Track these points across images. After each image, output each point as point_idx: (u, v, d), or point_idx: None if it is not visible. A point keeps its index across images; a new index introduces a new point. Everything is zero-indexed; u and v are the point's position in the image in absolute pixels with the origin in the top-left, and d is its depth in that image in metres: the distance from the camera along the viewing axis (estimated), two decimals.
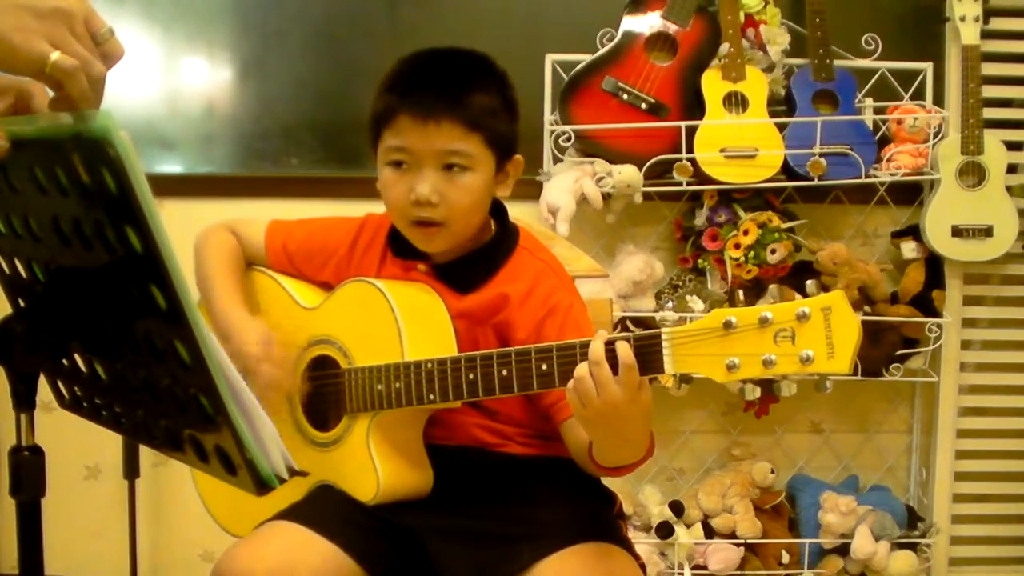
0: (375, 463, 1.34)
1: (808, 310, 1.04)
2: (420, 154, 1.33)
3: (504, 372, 1.23)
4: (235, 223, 1.56)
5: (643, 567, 1.34)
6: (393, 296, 1.35)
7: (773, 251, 2.38)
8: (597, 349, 1.12)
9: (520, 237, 1.45)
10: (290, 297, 1.50)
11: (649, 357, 1.11)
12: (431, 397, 1.29)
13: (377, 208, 1.53)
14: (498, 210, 1.45)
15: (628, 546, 1.36)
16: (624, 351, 1.10)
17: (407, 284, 1.40)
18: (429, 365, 1.29)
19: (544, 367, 1.20)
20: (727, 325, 1.07)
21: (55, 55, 0.82)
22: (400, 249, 1.44)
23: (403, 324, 1.32)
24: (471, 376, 1.26)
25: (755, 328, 1.06)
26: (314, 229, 1.54)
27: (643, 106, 2.36)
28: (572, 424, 1.32)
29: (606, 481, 1.48)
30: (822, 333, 1.04)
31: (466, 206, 1.36)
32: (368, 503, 1.35)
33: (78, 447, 2.45)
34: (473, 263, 1.41)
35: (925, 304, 2.48)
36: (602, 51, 2.39)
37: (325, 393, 1.44)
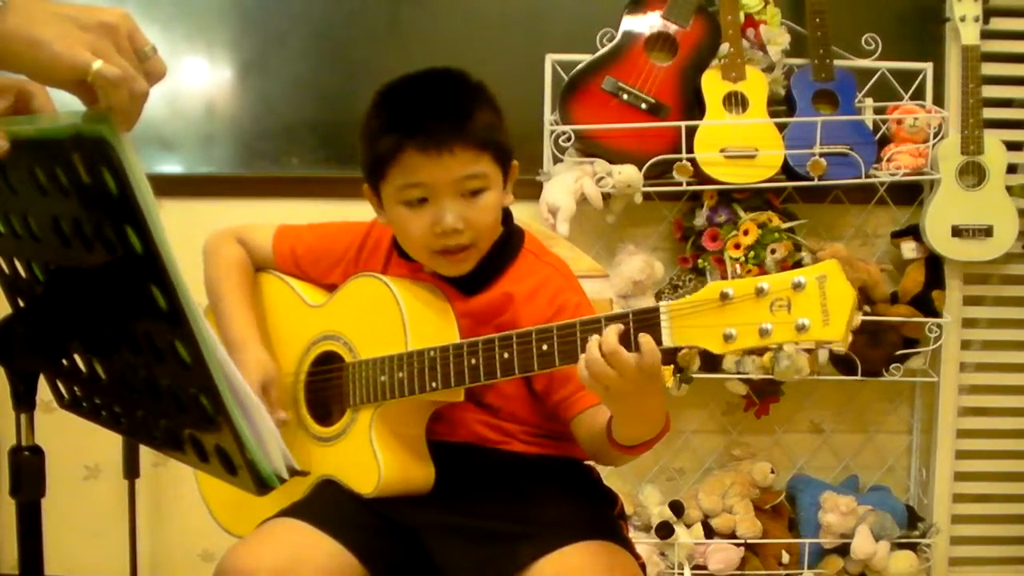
0: (376, 454, 1.34)
1: (804, 279, 1.05)
2: (437, 186, 1.32)
3: (505, 355, 1.24)
4: (242, 230, 1.57)
5: (643, 567, 1.34)
6: (398, 289, 1.35)
7: (773, 251, 2.38)
8: (611, 338, 1.11)
9: (526, 240, 1.46)
10: (297, 295, 1.51)
11: (648, 331, 1.11)
12: (433, 384, 1.30)
13: None
14: (503, 214, 1.45)
15: (629, 545, 1.36)
16: (645, 340, 1.10)
17: (412, 280, 1.41)
18: (431, 353, 1.30)
19: (545, 347, 1.20)
20: (724, 296, 1.07)
21: (98, 63, 0.80)
22: (406, 252, 1.44)
23: (407, 316, 1.33)
24: (473, 361, 1.26)
25: (751, 298, 1.06)
26: (322, 234, 1.55)
27: (643, 106, 2.36)
28: (585, 418, 1.33)
29: (607, 481, 1.48)
30: (817, 301, 1.04)
31: (489, 224, 1.36)
32: (368, 495, 1.35)
33: (78, 447, 2.45)
34: (478, 265, 1.41)
35: (925, 304, 2.48)
36: (602, 51, 2.39)
37: (328, 388, 1.44)
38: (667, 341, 1.11)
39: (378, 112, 1.36)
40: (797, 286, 1.05)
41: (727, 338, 1.07)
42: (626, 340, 1.11)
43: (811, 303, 1.04)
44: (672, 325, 1.11)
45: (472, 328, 1.37)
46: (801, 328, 1.04)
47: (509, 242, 1.44)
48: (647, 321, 1.12)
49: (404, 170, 1.32)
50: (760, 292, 1.06)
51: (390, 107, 1.36)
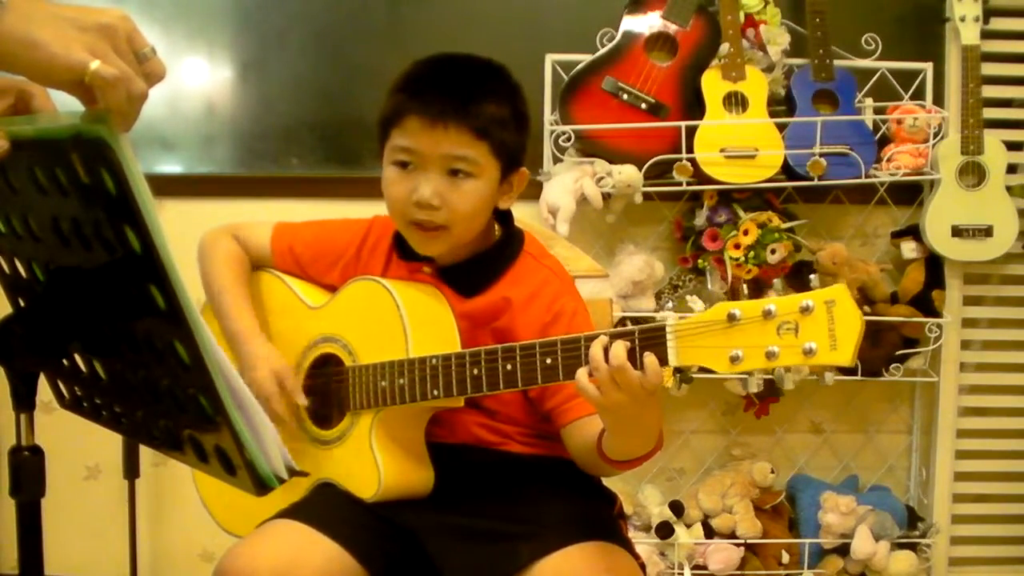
0: (377, 460, 1.34)
1: (812, 303, 1.05)
2: (426, 156, 1.33)
3: (508, 367, 1.23)
4: (238, 227, 1.57)
5: (643, 567, 1.34)
6: (399, 294, 1.35)
7: (773, 251, 2.38)
8: (619, 351, 1.11)
9: (525, 242, 1.46)
10: (296, 296, 1.51)
11: (653, 350, 1.11)
12: (435, 393, 1.29)
13: (378, 208, 1.53)
14: (503, 215, 1.45)
15: (628, 546, 1.36)
16: (650, 361, 1.10)
17: (412, 284, 1.41)
18: (433, 361, 1.29)
19: (548, 361, 1.20)
20: (731, 318, 1.07)
21: (95, 63, 0.80)
22: (405, 251, 1.44)
23: (408, 322, 1.33)
24: (475, 371, 1.26)
25: (759, 320, 1.06)
26: (321, 231, 1.55)
27: (643, 106, 2.36)
28: (575, 427, 1.33)
29: (606, 481, 1.48)
30: (825, 326, 1.04)
31: (467, 212, 1.36)
32: (369, 500, 1.35)
33: (78, 447, 2.44)
34: (477, 266, 1.42)
35: (925, 304, 2.48)
36: (602, 51, 2.39)
37: (328, 391, 1.44)
38: (673, 360, 1.11)
39: (400, 76, 1.39)
40: (805, 309, 1.05)
41: (733, 360, 1.07)
42: (631, 357, 1.11)
43: (819, 327, 1.04)
44: (678, 344, 1.10)
45: (470, 330, 1.37)
46: (808, 352, 1.04)
47: (509, 244, 1.44)
48: (653, 339, 1.11)
49: (402, 132, 1.34)
50: (767, 314, 1.06)
51: (413, 72, 1.38)
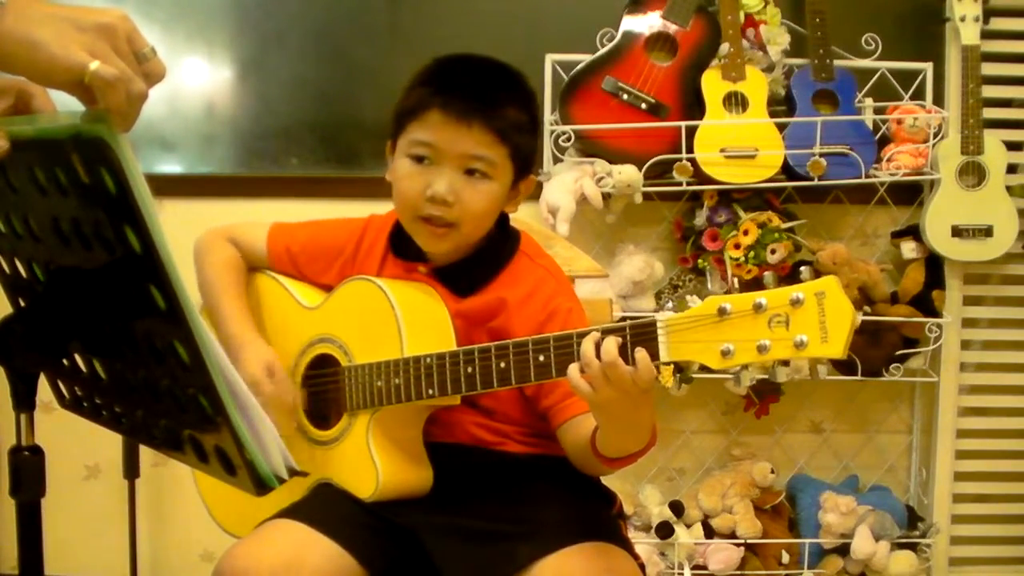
0: (375, 460, 1.34)
1: (802, 295, 1.04)
2: (445, 152, 1.33)
3: (502, 364, 1.23)
4: (233, 229, 1.56)
5: (643, 567, 1.34)
6: (393, 293, 1.35)
7: (773, 251, 2.38)
8: (611, 348, 1.11)
9: (521, 242, 1.45)
10: (292, 297, 1.51)
11: (644, 345, 1.11)
12: (430, 392, 1.29)
13: (376, 208, 1.53)
14: (499, 216, 1.45)
15: (628, 546, 1.36)
16: (641, 356, 1.10)
17: (407, 283, 1.40)
18: (428, 360, 1.30)
19: (541, 358, 1.20)
20: (721, 312, 1.07)
21: (94, 64, 0.81)
22: (401, 250, 1.44)
23: (403, 321, 1.33)
24: (469, 370, 1.26)
25: (749, 314, 1.06)
26: (317, 231, 1.54)
27: (643, 106, 2.36)
28: (570, 426, 1.33)
29: (606, 481, 1.48)
30: (816, 318, 1.04)
31: (478, 212, 1.36)
32: (367, 500, 1.35)
33: (78, 447, 2.45)
34: (473, 266, 1.42)
35: (925, 304, 2.49)
36: (602, 51, 2.39)
37: (325, 391, 1.44)
38: (664, 356, 1.11)
39: (423, 71, 1.38)
40: (795, 302, 1.04)
41: (725, 354, 1.07)
42: (622, 353, 1.11)
43: (810, 319, 1.04)
44: (669, 340, 1.10)
45: (465, 330, 1.36)
46: (800, 345, 1.04)
47: (505, 244, 1.44)
48: (644, 335, 1.11)
49: (422, 126, 1.34)
50: (758, 308, 1.05)
51: (435, 69, 1.38)
